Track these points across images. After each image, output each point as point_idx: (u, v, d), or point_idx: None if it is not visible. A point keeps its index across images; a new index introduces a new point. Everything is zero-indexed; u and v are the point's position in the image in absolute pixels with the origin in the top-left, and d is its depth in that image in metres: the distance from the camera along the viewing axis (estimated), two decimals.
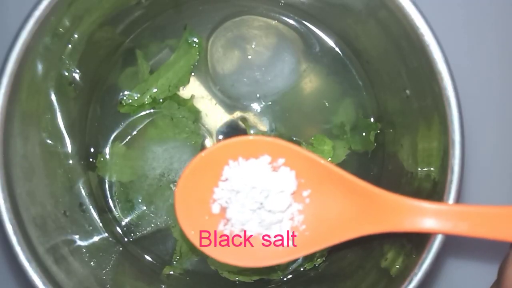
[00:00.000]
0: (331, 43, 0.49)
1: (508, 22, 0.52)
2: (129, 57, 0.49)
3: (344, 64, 0.49)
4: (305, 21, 0.49)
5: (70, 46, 0.42)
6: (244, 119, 0.49)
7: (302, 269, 0.47)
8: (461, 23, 0.52)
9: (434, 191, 0.38)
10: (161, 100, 0.48)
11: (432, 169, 0.39)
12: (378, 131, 0.48)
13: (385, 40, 0.42)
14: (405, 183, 0.43)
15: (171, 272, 0.47)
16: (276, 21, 0.49)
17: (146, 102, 0.48)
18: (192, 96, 0.49)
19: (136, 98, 0.48)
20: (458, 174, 0.36)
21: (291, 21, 0.49)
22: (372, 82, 0.49)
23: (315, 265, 0.47)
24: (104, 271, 0.43)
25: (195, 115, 0.48)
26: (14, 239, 0.36)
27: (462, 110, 0.36)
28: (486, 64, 0.52)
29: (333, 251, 0.47)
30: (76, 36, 0.42)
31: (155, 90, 0.48)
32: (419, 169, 0.41)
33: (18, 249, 0.36)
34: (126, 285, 0.44)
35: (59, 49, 0.41)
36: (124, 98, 0.48)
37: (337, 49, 0.49)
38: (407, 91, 0.42)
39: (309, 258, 0.47)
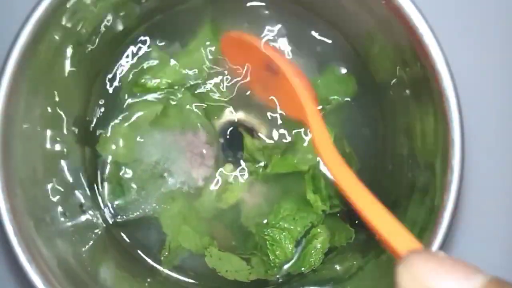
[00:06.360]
0: (330, 41, 0.49)
1: (508, 22, 0.52)
2: (142, 44, 0.49)
3: (344, 64, 0.49)
4: (304, 15, 0.49)
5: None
6: (246, 129, 0.49)
7: (302, 269, 0.47)
8: (461, 23, 0.52)
9: (433, 192, 0.38)
10: (176, 87, 0.48)
11: (432, 169, 0.39)
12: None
13: (384, 40, 0.42)
14: (405, 183, 0.43)
15: (163, 269, 0.47)
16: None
17: (162, 87, 0.48)
18: (208, 92, 0.48)
19: (152, 82, 0.48)
20: (458, 174, 0.36)
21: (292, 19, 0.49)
22: (372, 82, 0.49)
23: (313, 268, 0.47)
24: (98, 263, 0.43)
25: (208, 111, 0.48)
26: (14, 240, 0.36)
27: (462, 110, 0.36)
28: (487, 64, 0.52)
29: (330, 253, 0.47)
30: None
31: (170, 77, 0.48)
32: (419, 169, 0.41)
33: (18, 250, 0.36)
34: (114, 277, 0.44)
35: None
36: (142, 80, 0.48)
37: (336, 47, 0.49)
38: (407, 91, 0.42)
39: (306, 260, 0.47)
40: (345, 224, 0.47)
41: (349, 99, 0.49)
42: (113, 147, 0.48)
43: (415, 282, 0.22)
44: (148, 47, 0.49)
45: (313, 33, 0.49)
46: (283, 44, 0.49)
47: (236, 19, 0.49)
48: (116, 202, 0.48)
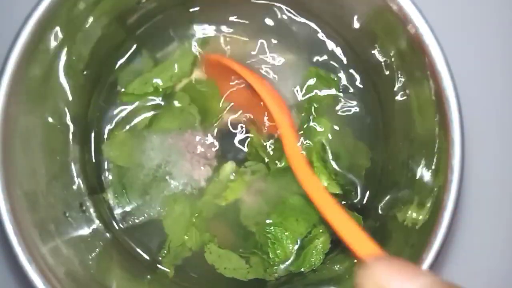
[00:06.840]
0: (332, 43, 0.49)
1: (508, 22, 0.52)
2: (134, 51, 0.49)
3: (343, 63, 0.49)
4: (309, 19, 0.49)
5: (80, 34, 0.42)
6: (252, 123, 0.48)
7: (302, 269, 0.47)
8: (461, 22, 0.52)
9: (433, 191, 0.38)
10: (168, 92, 0.48)
11: (432, 169, 0.39)
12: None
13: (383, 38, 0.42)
14: (405, 183, 0.43)
15: (163, 268, 0.47)
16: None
17: (149, 91, 0.48)
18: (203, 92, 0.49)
19: (139, 87, 0.48)
20: (458, 174, 0.36)
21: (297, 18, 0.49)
22: (371, 82, 0.49)
23: (313, 268, 0.47)
24: (99, 264, 0.43)
25: (206, 111, 0.48)
26: (14, 240, 0.36)
27: (462, 110, 0.36)
28: (486, 64, 0.52)
29: (331, 252, 0.47)
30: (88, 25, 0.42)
31: (158, 80, 0.48)
32: (419, 168, 0.41)
33: (18, 250, 0.36)
34: (115, 277, 0.44)
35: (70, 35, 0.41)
36: (131, 87, 0.48)
37: (337, 48, 0.49)
38: (407, 91, 0.42)
39: (307, 260, 0.47)
40: (352, 212, 0.47)
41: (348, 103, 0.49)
42: (114, 152, 0.48)
43: (371, 282, 0.26)
44: (139, 54, 0.49)
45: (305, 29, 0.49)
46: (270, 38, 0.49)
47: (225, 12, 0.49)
48: (120, 207, 0.48)
